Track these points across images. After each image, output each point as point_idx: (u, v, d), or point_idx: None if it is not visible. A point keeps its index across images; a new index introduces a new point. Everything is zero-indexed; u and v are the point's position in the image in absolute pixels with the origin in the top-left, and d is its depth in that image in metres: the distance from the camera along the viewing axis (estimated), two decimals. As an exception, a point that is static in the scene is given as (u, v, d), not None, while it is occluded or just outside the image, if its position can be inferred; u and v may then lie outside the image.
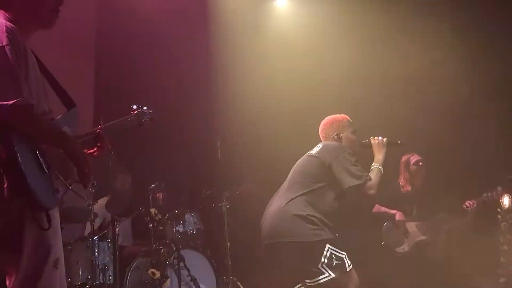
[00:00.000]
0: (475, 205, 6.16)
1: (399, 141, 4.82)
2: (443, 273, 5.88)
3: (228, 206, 6.86)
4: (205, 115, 7.67)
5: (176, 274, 6.17)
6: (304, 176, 4.52)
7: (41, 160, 2.65)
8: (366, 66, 6.84)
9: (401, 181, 6.51)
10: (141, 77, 7.91)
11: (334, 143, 4.64)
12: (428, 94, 6.71)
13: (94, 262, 6.15)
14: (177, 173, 6.88)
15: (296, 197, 4.41)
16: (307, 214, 4.32)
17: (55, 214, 2.79)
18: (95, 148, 3.22)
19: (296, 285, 4.43)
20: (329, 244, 4.28)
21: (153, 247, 6.19)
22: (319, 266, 4.23)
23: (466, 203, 6.18)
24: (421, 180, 6.45)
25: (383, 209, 6.30)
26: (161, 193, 6.35)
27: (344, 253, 4.31)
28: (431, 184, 6.43)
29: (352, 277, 4.32)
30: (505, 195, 5.89)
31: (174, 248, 6.27)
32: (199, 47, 7.66)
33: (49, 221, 2.65)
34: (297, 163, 4.68)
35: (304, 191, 4.43)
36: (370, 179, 4.42)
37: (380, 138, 4.69)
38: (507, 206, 5.86)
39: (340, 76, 6.87)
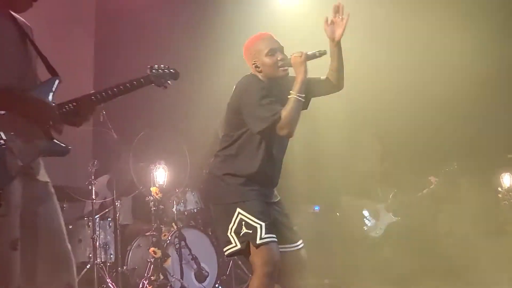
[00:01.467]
0: (436, 179, 6.20)
1: (317, 52, 3.67)
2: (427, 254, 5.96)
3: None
4: (207, 93, 7.64)
5: (177, 253, 6.19)
6: (223, 129, 3.85)
7: None
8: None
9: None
10: (141, 57, 7.87)
11: (242, 81, 3.78)
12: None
13: (95, 240, 6.17)
14: (178, 151, 6.85)
15: (216, 154, 3.82)
16: (223, 174, 3.69)
17: (14, 191, 2.64)
18: (77, 118, 3.10)
19: None
20: (240, 208, 3.58)
21: (154, 226, 6.21)
22: (228, 233, 3.59)
23: (430, 178, 6.23)
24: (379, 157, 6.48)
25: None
26: (163, 172, 6.34)
27: (261, 223, 3.53)
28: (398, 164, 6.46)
29: (263, 253, 3.51)
30: (506, 174, 5.91)
31: (175, 227, 6.28)
32: (202, 17, 7.64)
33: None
34: None
35: (223, 145, 3.78)
36: (280, 117, 3.53)
37: (298, 53, 3.67)
38: (507, 186, 5.88)
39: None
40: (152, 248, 6.03)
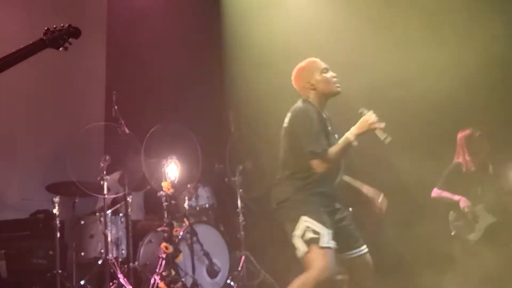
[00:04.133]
0: None
1: (384, 137, 3.81)
2: None
3: (241, 180, 6.83)
4: (218, 87, 7.62)
5: (189, 248, 6.18)
6: (285, 155, 4.06)
7: None
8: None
9: (461, 160, 5.87)
10: (153, 48, 7.87)
11: (300, 106, 4.01)
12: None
13: (107, 236, 6.16)
14: (189, 146, 6.84)
15: (282, 178, 4.03)
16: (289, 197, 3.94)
17: None
18: None
19: None
20: (307, 217, 3.82)
21: (166, 222, 6.19)
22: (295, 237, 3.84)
23: None
24: (485, 155, 5.83)
25: (445, 193, 5.81)
26: (174, 168, 6.32)
27: (327, 230, 3.79)
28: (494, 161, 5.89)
29: (325, 257, 3.76)
30: None
31: (187, 223, 6.27)
32: (211, 16, 7.60)
33: None
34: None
35: (287, 172, 4.00)
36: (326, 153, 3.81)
37: (371, 114, 3.86)
38: None
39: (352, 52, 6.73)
40: (163, 244, 6.02)
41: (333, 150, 3.83)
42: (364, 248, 4.01)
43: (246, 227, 6.74)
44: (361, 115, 3.89)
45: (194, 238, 6.21)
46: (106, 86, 8.09)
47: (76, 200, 6.43)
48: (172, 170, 6.26)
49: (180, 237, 6.18)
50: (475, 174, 5.82)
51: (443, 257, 5.67)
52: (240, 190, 6.83)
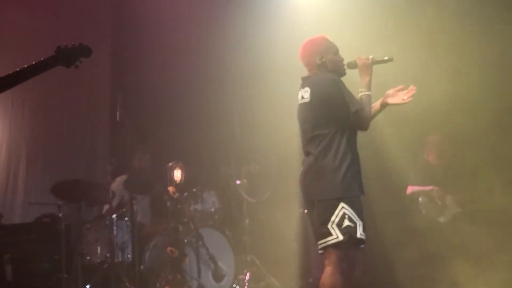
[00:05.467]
0: None
1: (386, 57, 4.12)
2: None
3: (246, 184, 6.82)
4: (223, 92, 7.61)
5: (194, 252, 6.18)
6: (313, 128, 4.00)
7: None
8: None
9: (430, 158, 6.41)
10: (158, 54, 7.87)
11: (321, 78, 4.03)
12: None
13: (112, 240, 6.17)
14: (195, 150, 6.85)
15: (314, 152, 3.98)
16: (332, 168, 3.90)
17: None
18: None
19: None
20: (345, 203, 3.84)
21: (172, 226, 6.19)
22: (329, 225, 3.83)
23: None
24: (444, 156, 6.36)
25: (417, 188, 6.22)
26: (179, 171, 6.32)
27: (361, 221, 3.84)
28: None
29: (356, 249, 3.90)
30: None
31: (193, 227, 6.27)
32: (216, 21, 7.59)
33: None
34: (298, 115, 4.15)
35: (321, 142, 3.95)
36: (362, 109, 3.91)
37: (365, 57, 4.07)
38: None
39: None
40: (169, 248, 6.02)
41: (363, 107, 3.92)
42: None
43: (251, 230, 6.73)
44: (352, 64, 4.09)
45: (200, 242, 6.20)
46: (111, 89, 8.10)
47: (82, 204, 6.43)
48: (178, 174, 6.26)
49: (185, 241, 6.18)
50: (441, 169, 6.30)
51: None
52: (245, 194, 6.82)
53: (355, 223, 3.81)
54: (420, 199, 6.24)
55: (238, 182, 6.85)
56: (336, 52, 4.12)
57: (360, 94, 3.96)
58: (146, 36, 7.82)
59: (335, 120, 3.93)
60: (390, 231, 6.22)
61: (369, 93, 3.97)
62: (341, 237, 3.79)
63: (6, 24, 7.30)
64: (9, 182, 7.27)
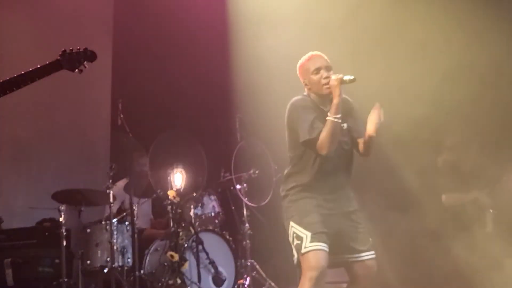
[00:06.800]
0: None
1: (347, 80, 3.87)
2: None
3: (246, 189, 6.83)
4: (224, 97, 7.63)
5: (194, 257, 6.17)
6: (288, 149, 4.12)
7: None
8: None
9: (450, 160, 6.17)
10: (159, 59, 7.89)
11: (291, 101, 4.06)
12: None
13: (113, 244, 6.17)
14: (195, 155, 6.85)
15: (287, 173, 4.14)
16: (287, 190, 4.06)
17: None
18: None
19: None
20: (293, 222, 3.93)
21: (172, 230, 6.19)
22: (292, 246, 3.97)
23: None
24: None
25: (455, 196, 5.99)
26: (180, 176, 6.33)
27: (308, 233, 3.82)
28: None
29: (307, 260, 3.80)
30: None
31: (193, 231, 6.26)
32: (218, 27, 7.61)
33: None
34: None
35: (291, 163, 4.09)
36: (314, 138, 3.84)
37: (336, 76, 3.89)
38: None
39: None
40: (169, 252, 6.03)
41: (322, 133, 3.82)
42: (368, 254, 3.96)
43: (251, 235, 6.73)
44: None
45: (200, 247, 6.19)
46: (112, 94, 8.11)
47: (82, 209, 6.44)
48: (178, 178, 6.26)
49: (186, 245, 6.18)
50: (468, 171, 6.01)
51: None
52: (246, 199, 6.83)
53: (301, 239, 3.84)
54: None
55: (238, 186, 6.86)
56: (315, 71, 4.00)
57: (326, 118, 3.85)
58: (147, 41, 7.84)
59: (299, 143, 3.94)
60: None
61: (333, 118, 3.81)
62: (295, 256, 3.93)
63: (8, 29, 7.32)
64: (10, 186, 7.27)
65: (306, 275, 3.76)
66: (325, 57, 4.09)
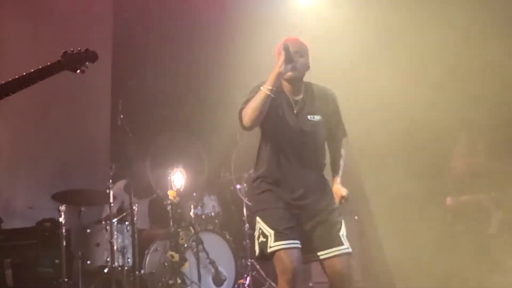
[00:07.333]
0: None
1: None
2: None
3: (246, 189, 6.83)
4: (223, 97, 7.63)
5: (194, 256, 6.18)
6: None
7: None
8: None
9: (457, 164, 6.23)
10: (159, 59, 7.89)
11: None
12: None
13: (113, 244, 6.17)
14: (195, 155, 6.86)
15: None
16: (253, 181, 3.88)
17: None
18: None
19: None
20: (258, 217, 3.70)
21: (172, 230, 6.19)
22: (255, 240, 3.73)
23: None
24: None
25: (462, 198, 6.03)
26: (180, 176, 6.33)
27: (271, 231, 3.59)
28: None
29: (277, 262, 3.56)
30: None
31: (193, 231, 6.27)
32: (218, 27, 7.62)
33: None
34: None
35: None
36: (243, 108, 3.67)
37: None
38: None
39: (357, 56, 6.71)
40: (169, 252, 6.03)
41: (249, 102, 3.64)
42: (341, 249, 3.65)
43: (251, 235, 6.73)
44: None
45: (200, 247, 6.20)
46: (112, 94, 8.11)
47: (82, 209, 6.44)
48: (178, 178, 6.27)
49: (186, 245, 6.18)
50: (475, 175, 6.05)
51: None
52: (246, 198, 6.83)
53: (266, 237, 3.60)
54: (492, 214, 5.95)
55: (238, 186, 6.87)
56: (276, 55, 3.78)
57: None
58: (147, 41, 7.84)
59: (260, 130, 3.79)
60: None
61: (263, 88, 3.59)
62: (257, 252, 3.71)
63: (9, 29, 7.32)
64: (9, 186, 7.26)
65: (281, 279, 3.54)
66: (302, 41, 3.86)
